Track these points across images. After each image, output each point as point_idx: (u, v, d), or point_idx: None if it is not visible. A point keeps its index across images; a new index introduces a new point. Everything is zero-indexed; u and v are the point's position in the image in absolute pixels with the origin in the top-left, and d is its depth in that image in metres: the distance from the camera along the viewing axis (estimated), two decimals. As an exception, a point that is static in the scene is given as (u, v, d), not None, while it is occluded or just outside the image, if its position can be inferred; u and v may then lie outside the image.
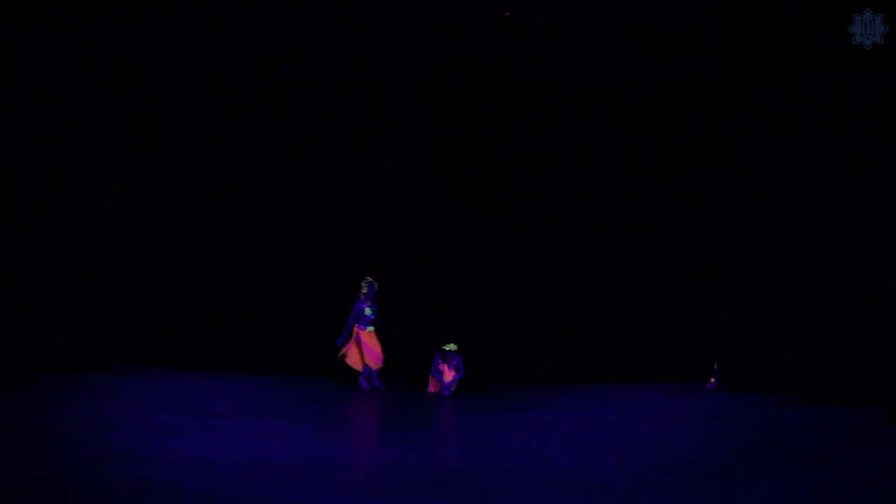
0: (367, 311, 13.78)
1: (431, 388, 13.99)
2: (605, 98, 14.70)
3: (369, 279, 13.86)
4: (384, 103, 14.81)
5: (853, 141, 11.42)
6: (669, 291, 14.65)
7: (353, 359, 13.87)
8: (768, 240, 12.70)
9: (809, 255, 11.78)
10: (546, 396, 13.41)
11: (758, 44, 12.50)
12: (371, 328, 13.85)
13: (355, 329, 13.86)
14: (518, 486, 7.86)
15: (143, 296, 14.43)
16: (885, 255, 11.31)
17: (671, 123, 14.53)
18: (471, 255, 14.94)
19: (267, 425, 10.37)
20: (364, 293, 13.82)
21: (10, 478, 7.19)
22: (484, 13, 13.36)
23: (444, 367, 13.92)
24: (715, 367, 13.61)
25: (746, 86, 12.90)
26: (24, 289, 12.81)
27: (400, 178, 14.93)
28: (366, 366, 13.90)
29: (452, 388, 13.90)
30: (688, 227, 14.48)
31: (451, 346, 13.88)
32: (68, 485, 7.14)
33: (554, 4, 13.21)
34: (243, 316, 14.78)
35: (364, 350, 13.86)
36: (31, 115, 12.76)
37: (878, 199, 11.34)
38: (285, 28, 13.47)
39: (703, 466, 8.51)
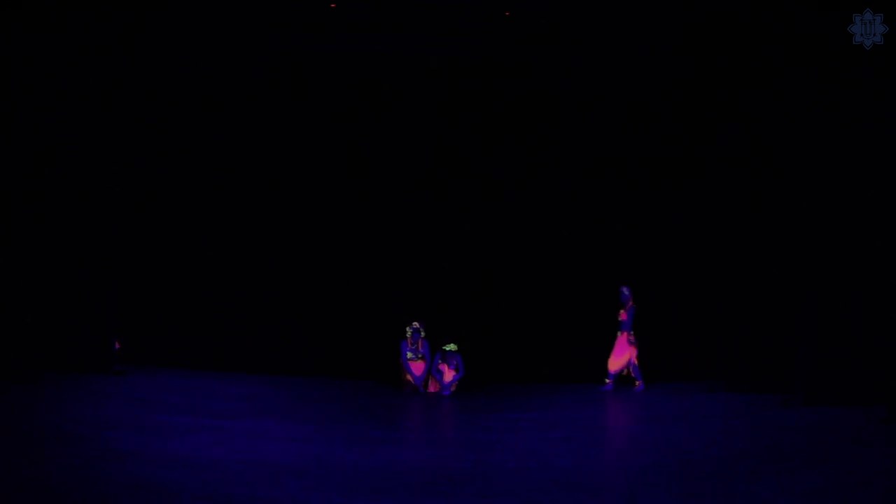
0: (409, 355, 13.85)
1: (431, 388, 13.99)
2: (604, 98, 14.69)
3: (416, 325, 13.91)
4: (384, 103, 14.81)
5: (853, 141, 11.42)
6: (669, 291, 14.64)
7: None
8: (768, 240, 12.70)
9: (809, 254, 11.77)
10: (546, 396, 13.41)
11: (758, 43, 12.49)
12: (416, 360, 13.99)
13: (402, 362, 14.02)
14: (518, 486, 7.85)
15: (144, 296, 14.44)
16: (885, 254, 11.31)
17: (672, 123, 14.52)
18: (471, 254, 14.94)
19: (267, 425, 10.36)
20: (409, 337, 13.86)
21: (10, 478, 7.19)
22: (484, 13, 13.35)
23: (444, 367, 13.93)
24: (612, 369, 13.74)
25: (746, 85, 12.90)
26: (24, 289, 12.80)
27: (400, 178, 14.92)
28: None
29: (452, 388, 13.90)
30: (688, 228, 14.48)
31: (451, 346, 13.89)
32: (68, 485, 7.14)
33: (554, 4, 13.21)
34: (243, 316, 14.79)
35: (406, 369, 13.94)
36: (33, 120, 12.78)
37: (877, 199, 11.34)
38: (286, 28, 13.47)
39: (703, 466, 8.50)
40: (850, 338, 11.39)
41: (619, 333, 13.87)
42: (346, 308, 14.83)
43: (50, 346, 12.86)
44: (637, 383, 13.77)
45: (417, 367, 13.95)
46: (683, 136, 14.46)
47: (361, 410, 12.32)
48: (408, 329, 13.97)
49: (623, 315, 13.85)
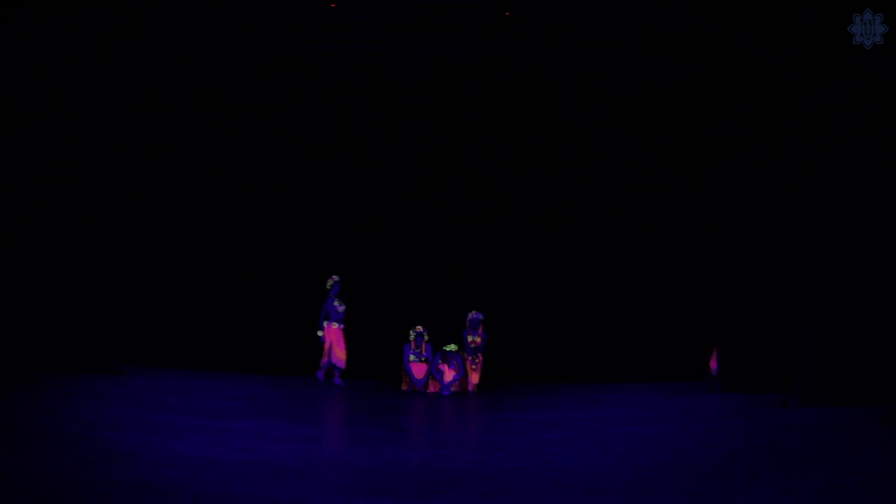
0: (412, 357, 13.91)
1: (431, 388, 14.00)
2: (604, 97, 14.68)
3: (419, 329, 13.98)
4: (384, 104, 14.80)
5: (853, 141, 11.43)
6: (670, 291, 14.64)
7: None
8: (768, 239, 12.70)
9: (808, 254, 11.79)
10: (546, 396, 13.41)
11: (758, 43, 12.49)
12: (418, 362, 14.05)
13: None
14: (518, 486, 7.86)
15: (144, 296, 14.45)
16: (884, 254, 11.32)
17: (671, 122, 14.52)
18: (471, 254, 14.92)
19: (267, 425, 10.37)
20: (412, 340, 13.95)
21: (10, 478, 7.20)
22: (484, 13, 13.35)
23: (444, 367, 13.93)
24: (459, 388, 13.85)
25: (746, 85, 12.90)
26: (25, 288, 12.81)
27: (400, 178, 14.92)
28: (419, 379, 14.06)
29: (453, 389, 13.91)
30: (688, 227, 14.48)
31: (452, 347, 13.89)
32: (68, 485, 7.15)
33: (553, 4, 13.21)
34: (243, 316, 14.79)
35: (407, 371, 13.96)
36: (33, 115, 12.78)
37: (877, 198, 11.35)
38: (285, 28, 13.47)
39: (703, 466, 8.51)
40: (849, 338, 11.40)
41: (471, 358, 13.94)
42: (345, 308, 14.81)
43: (50, 346, 12.88)
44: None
45: (419, 369, 13.97)
46: (683, 137, 14.45)
47: (361, 410, 12.32)
48: (411, 332, 14.00)
49: (478, 341, 13.91)
